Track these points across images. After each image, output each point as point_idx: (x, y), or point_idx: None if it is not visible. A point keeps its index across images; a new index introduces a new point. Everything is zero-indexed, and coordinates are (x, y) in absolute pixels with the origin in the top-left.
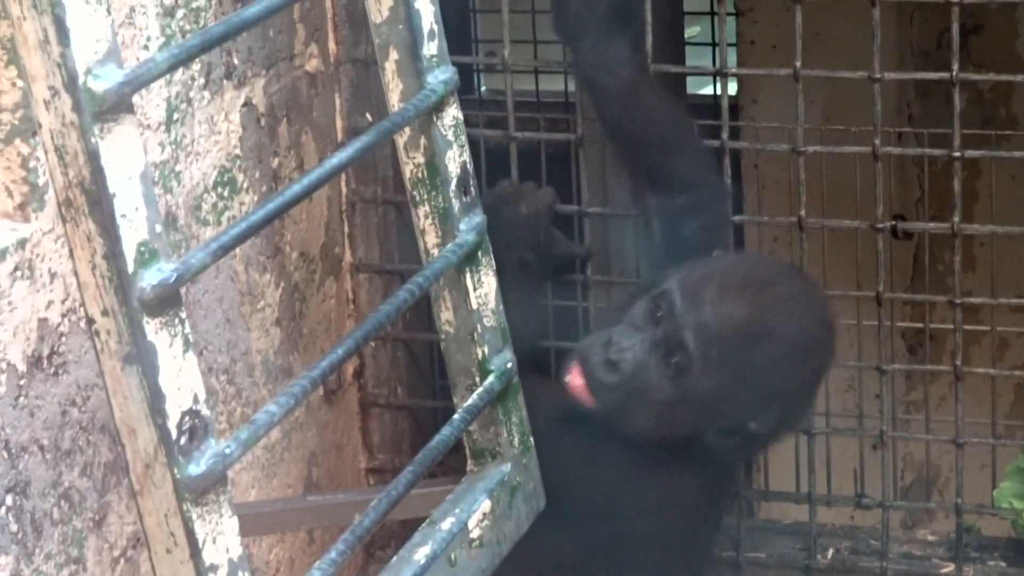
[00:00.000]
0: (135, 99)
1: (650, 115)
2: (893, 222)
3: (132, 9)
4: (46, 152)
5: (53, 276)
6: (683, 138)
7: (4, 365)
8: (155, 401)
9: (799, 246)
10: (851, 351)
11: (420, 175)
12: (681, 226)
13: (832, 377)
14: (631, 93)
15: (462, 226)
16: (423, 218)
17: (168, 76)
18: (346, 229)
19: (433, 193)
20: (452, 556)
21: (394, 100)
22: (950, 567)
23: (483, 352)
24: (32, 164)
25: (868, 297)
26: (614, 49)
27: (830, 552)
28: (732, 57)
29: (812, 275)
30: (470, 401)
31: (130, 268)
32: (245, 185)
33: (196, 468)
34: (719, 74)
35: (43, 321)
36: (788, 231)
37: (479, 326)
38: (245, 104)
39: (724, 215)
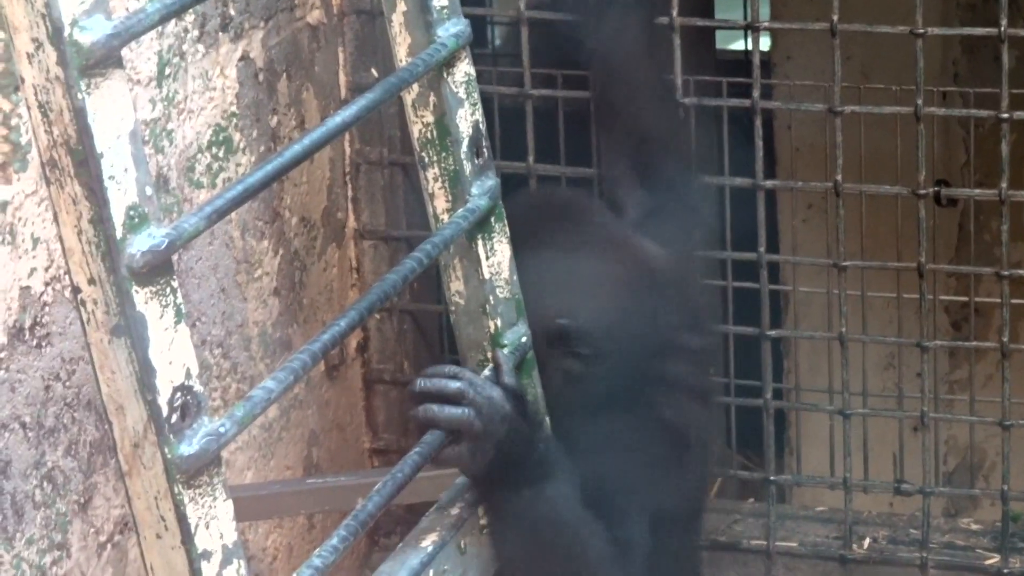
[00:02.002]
0: (124, 52)
1: (646, 102)
2: (936, 188)
3: None
4: (29, 109)
5: (36, 242)
6: (674, 133)
7: None
8: (145, 376)
9: (835, 213)
10: (891, 326)
11: (429, 135)
12: (655, 224)
13: (870, 354)
14: (631, 74)
15: (474, 190)
16: (432, 181)
17: (159, 28)
18: (349, 193)
19: (443, 154)
20: (462, 544)
21: (401, 54)
22: (995, 558)
23: (496, 325)
24: (14, 122)
25: (909, 268)
26: (623, 22)
27: (867, 541)
28: (765, 9)
29: (849, 245)
30: (482, 377)
31: (118, 233)
32: (242, 145)
33: (188, 448)
34: (750, 28)
35: (25, 290)
36: (823, 197)
37: (491, 297)
38: (242, 58)
39: (701, 221)
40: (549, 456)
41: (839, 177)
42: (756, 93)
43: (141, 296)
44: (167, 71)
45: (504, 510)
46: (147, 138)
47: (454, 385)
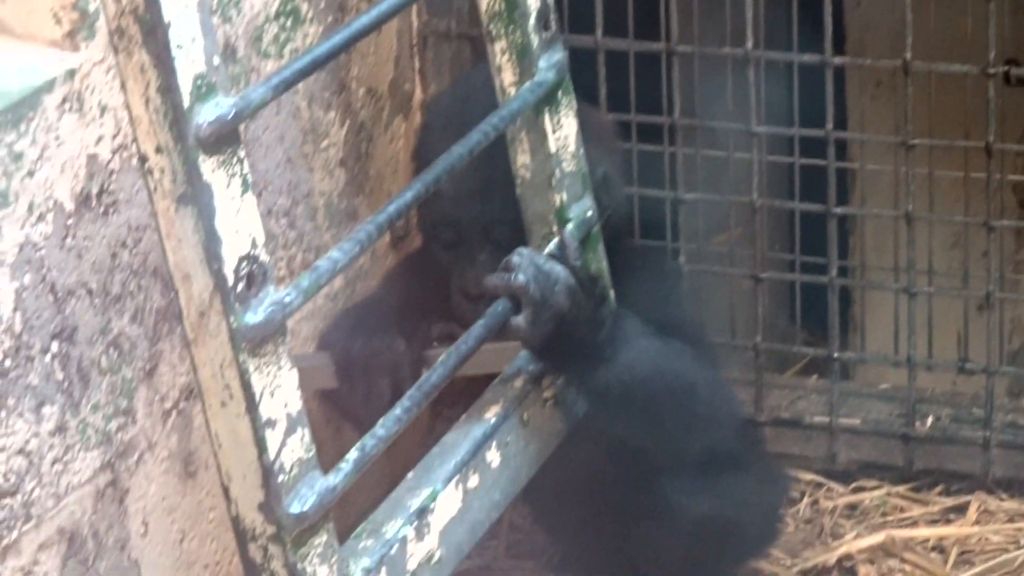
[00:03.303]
0: None
1: None
2: (1006, 67)
3: None
4: None
5: (104, 109)
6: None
7: (51, 204)
8: (211, 245)
9: (903, 91)
10: (958, 205)
11: (497, 7)
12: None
13: (936, 233)
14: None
15: (541, 63)
16: (500, 54)
17: None
18: (417, 64)
19: (511, 27)
20: (524, 416)
21: None
22: None
23: (561, 199)
24: None
25: (977, 148)
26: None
27: (930, 420)
28: None
29: (918, 123)
30: (547, 251)
31: (186, 102)
32: (309, 15)
33: (253, 317)
34: None
35: (92, 157)
36: (892, 75)
37: (557, 171)
38: None
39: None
40: (618, 326)
41: (908, 55)
42: None
43: (208, 165)
44: None
45: (579, 380)
46: (214, 7)
47: (515, 259)
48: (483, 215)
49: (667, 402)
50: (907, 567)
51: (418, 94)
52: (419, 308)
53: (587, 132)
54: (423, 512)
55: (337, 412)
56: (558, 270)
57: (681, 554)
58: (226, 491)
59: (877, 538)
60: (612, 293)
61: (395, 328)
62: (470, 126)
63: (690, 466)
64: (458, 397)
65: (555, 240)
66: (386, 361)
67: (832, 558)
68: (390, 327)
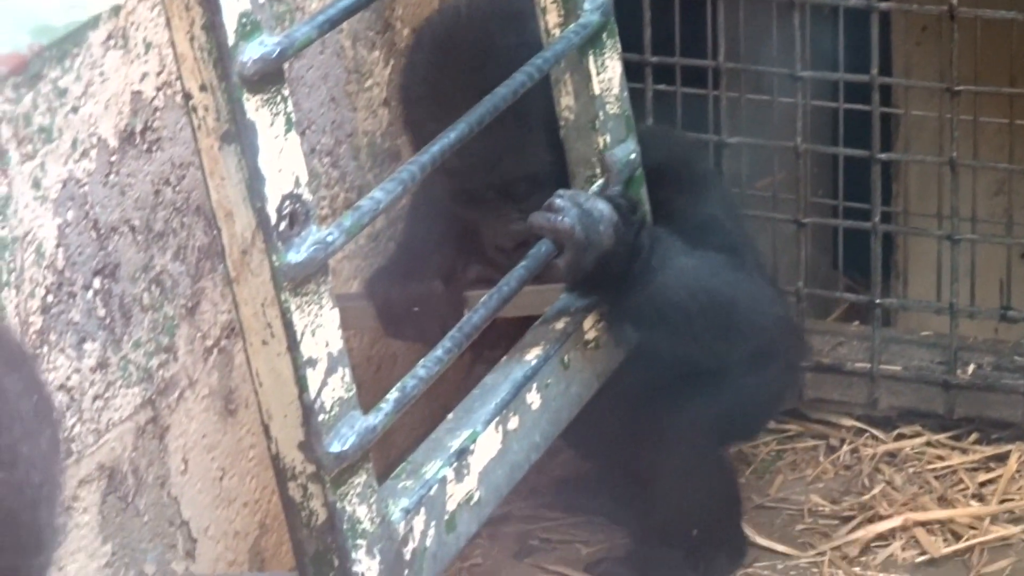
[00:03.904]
0: None
1: None
2: None
3: None
4: None
5: (148, 47)
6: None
7: (95, 140)
8: (254, 183)
9: (949, 37)
10: (1002, 152)
11: None
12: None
13: (980, 179)
14: None
15: (586, 5)
16: None
17: None
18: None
19: None
20: (565, 358)
21: None
22: None
23: (604, 141)
24: None
25: (1022, 94)
26: None
27: (971, 367)
28: None
29: (963, 70)
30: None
31: (231, 40)
32: None
33: (296, 255)
34: None
35: (137, 94)
36: (938, 21)
37: (601, 113)
38: None
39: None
40: (656, 249)
41: (954, 0)
42: None
43: (252, 104)
44: None
45: (617, 309)
46: None
47: (559, 201)
48: (510, 172)
49: (705, 320)
50: (945, 515)
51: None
52: (452, 249)
53: None
54: (463, 453)
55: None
56: (601, 207)
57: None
58: (266, 429)
59: (915, 486)
60: (649, 214)
61: (432, 271)
62: (458, 58)
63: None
64: (498, 339)
65: (599, 181)
66: (427, 301)
67: (871, 504)
68: (427, 271)
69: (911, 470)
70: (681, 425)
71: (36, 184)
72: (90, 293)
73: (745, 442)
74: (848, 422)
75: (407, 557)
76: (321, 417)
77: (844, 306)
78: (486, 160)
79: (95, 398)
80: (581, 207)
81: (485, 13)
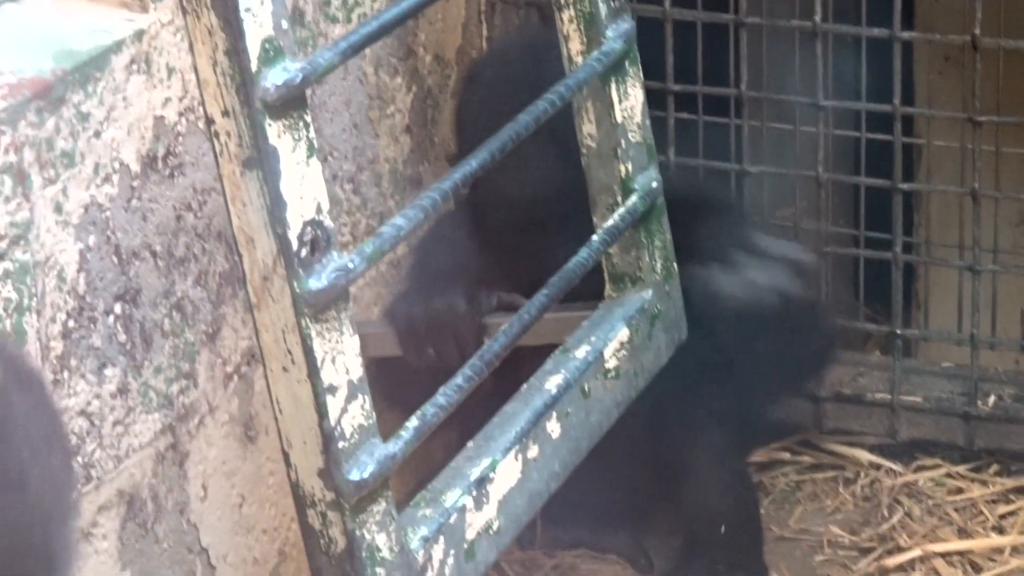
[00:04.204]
0: None
1: None
2: None
3: None
4: None
5: (171, 72)
6: None
7: (117, 165)
8: (275, 209)
9: (972, 67)
10: None
11: None
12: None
13: (1002, 210)
14: None
15: (609, 32)
16: (567, 23)
17: None
18: (484, 31)
19: None
20: (586, 386)
21: None
22: None
23: (626, 169)
24: None
25: None
26: None
27: (992, 398)
28: None
29: (985, 100)
30: (611, 221)
31: (253, 66)
32: None
33: (317, 282)
34: None
35: (159, 119)
36: (961, 51)
37: (623, 141)
38: None
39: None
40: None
41: (977, 30)
42: None
43: (274, 129)
44: None
45: None
46: None
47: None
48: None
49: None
50: (964, 546)
51: (483, 54)
52: (474, 276)
53: None
54: (482, 481)
55: (397, 382)
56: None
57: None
58: (286, 456)
59: (935, 517)
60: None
61: (456, 292)
62: (515, 89)
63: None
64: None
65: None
66: (448, 321)
67: (890, 535)
68: (450, 290)
69: (930, 502)
70: (703, 427)
71: (58, 209)
72: (111, 318)
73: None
74: (867, 453)
75: None
76: (341, 444)
77: (865, 336)
78: (554, 174)
79: (115, 424)
80: None
81: (538, 48)
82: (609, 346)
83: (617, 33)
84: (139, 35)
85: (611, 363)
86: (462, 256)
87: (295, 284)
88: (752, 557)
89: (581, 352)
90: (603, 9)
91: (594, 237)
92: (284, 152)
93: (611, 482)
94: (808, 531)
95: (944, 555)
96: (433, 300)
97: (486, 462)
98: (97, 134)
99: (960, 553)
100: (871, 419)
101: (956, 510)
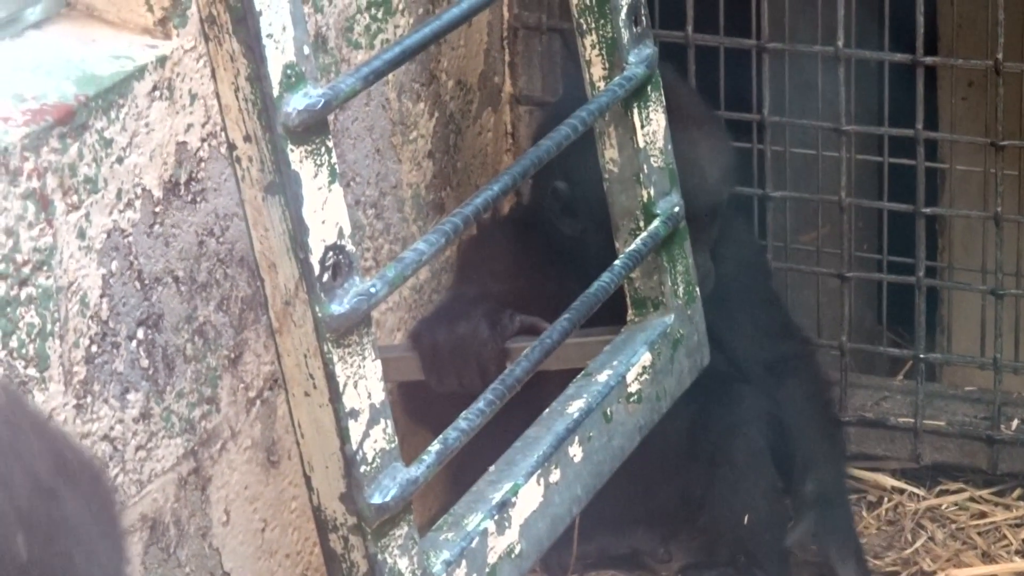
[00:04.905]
0: None
1: None
2: None
3: None
4: None
5: (193, 98)
6: None
7: (139, 190)
8: (298, 234)
9: (995, 92)
10: None
11: (588, 2)
12: None
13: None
14: None
15: (631, 58)
16: (590, 48)
17: None
18: (507, 57)
19: (601, 21)
20: (608, 411)
21: None
22: None
23: (649, 194)
24: None
25: None
26: None
27: (1015, 422)
28: None
29: (1008, 124)
30: (633, 246)
31: (275, 92)
32: (400, 6)
33: (339, 307)
34: None
35: (181, 145)
36: (984, 76)
37: (645, 166)
38: None
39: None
40: None
41: (1000, 55)
42: None
43: (296, 155)
44: None
45: None
46: None
47: None
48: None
49: None
50: (988, 571)
51: (508, 87)
52: (497, 300)
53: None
54: (504, 505)
55: (418, 408)
56: None
57: None
58: (308, 481)
59: (958, 541)
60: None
61: (479, 316)
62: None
63: None
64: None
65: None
66: (471, 346)
67: (914, 559)
68: (473, 315)
69: (954, 526)
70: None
71: (81, 234)
72: (134, 343)
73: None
74: (890, 478)
75: None
76: (363, 468)
77: (889, 361)
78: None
79: (138, 448)
80: None
81: None
82: (631, 370)
83: (639, 58)
84: (162, 61)
85: (633, 387)
86: (487, 280)
87: (317, 309)
88: (774, 554)
89: (603, 376)
90: (625, 35)
91: (616, 262)
92: (306, 177)
93: (633, 482)
94: None
95: None
96: (457, 325)
97: (508, 486)
98: (120, 160)
99: None
100: (894, 443)
101: (979, 534)
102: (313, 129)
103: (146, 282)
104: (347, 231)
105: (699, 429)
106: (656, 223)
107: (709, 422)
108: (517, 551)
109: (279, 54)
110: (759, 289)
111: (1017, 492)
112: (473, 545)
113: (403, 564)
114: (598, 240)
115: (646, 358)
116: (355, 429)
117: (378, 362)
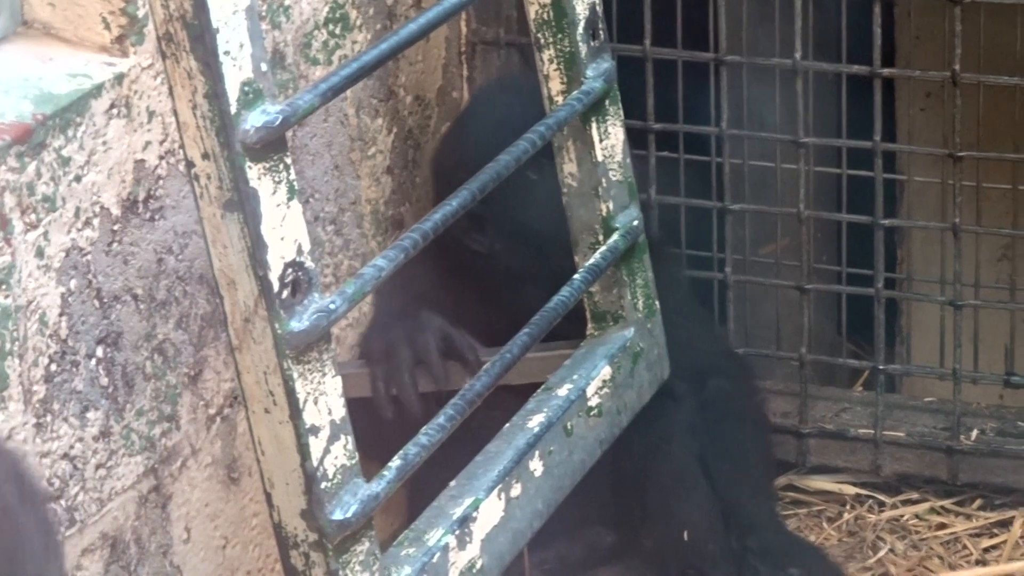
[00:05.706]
0: None
1: None
2: None
3: None
4: None
5: (151, 115)
6: None
7: (98, 209)
8: (256, 251)
9: (952, 103)
10: (1005, 218)
11: (546, 16)
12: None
13: (983, 245)
14: None
15: (589, 72)
16: (548, 63)
17: None
18: (465, 72)
19: (559, 36)
20: (568, 425)
21: None
22: None
23: (608, 208)
24: None
25: None
26: None
27: (975, 433)
28: None
29: (966, 136)
30: (592, 260)
31: (233, 109)
32: (358, 22)
33: (298, 324)
34: None
35: (139, 163)
36: (941, 87)
37: (604, 180)
38: None
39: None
40: None
41: (957, 67)
42: None
43: (254, 171)
44: None
45: None
46: (263, 13)
47: None
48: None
49: None
50: None
51: (466, 102)
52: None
53: None
54: (465, 520)
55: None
56: None
57: None
58: (268, 497)
59: (919, 552)
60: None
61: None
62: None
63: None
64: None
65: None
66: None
67: (874, 571)
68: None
69: (915, 536)
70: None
71: (39, 253)
72: (93, 362)
73: None
74: (851, 488)
75: None
76: (323, 485)
77: (848, 372)
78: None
79: (98, 467)
80: None
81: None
82: (591, 384)
83: (597, 72)
84: (119, 79)
85: (594, 401)
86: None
87: (276, 326)
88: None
89: (563, 391)
90: (583, 49)
91: (576, 276)
92: (264, 194)
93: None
94: None
95: None
96: (405, 319)
97: (469, 501)
98: (78, 178)
99: None
100: (855, 454)
101: (940, 544)
102: (271, 146)
103: (105, 300)
104: (306, 248)
105: (622, 452)
106: (615, 237)
107: (631, 444)
108: (478, 566)
109: (236, 71)
110: (676, 300)
111: (977, 502)
112: (434, 560)
113: None
114: (507, 258)
115: (606, 372)
116: (316, 445)
117: (338, 378)
